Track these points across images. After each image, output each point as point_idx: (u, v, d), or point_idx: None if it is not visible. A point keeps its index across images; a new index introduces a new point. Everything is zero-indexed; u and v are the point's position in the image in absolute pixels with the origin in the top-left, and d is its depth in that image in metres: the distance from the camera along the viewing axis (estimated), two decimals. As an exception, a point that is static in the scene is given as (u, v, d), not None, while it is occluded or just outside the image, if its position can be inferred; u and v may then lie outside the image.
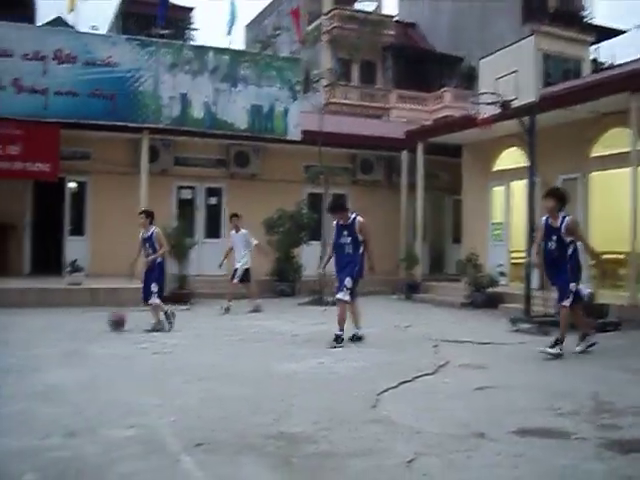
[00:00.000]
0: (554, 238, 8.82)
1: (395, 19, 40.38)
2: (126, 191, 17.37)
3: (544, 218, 9.07)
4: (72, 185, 18.40)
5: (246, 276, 14.39)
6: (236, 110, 17.87)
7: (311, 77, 20.26)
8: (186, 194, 19.34)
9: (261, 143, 18.94)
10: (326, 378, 7.40)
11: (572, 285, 8.77)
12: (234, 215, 14.71)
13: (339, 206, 10.25)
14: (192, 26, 36.76)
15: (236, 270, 14.27)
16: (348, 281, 9.58)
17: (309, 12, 32.88)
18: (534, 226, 11.54)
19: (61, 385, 6.81)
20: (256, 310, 14.17)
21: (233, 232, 14.48)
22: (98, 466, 4.39)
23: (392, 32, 37.23)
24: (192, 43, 27.64)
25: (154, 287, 10.88)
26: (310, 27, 32.26)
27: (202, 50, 18.17)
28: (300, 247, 18.05)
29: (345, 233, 9.79)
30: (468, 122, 15.80)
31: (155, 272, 10.99)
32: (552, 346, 8.57)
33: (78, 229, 18.20)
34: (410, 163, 19.90)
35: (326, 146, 17.40)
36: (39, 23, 30.13)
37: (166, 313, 10.99)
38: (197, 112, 17.56)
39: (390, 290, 18.35)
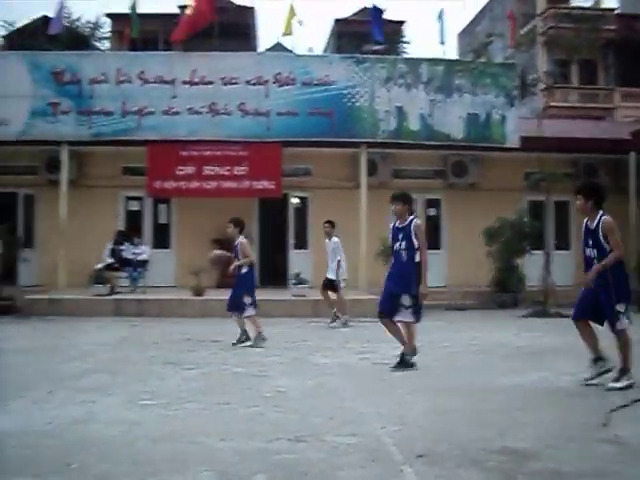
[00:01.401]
0: (591, 243, 7.22)
1: (616, 12, 38.06)
2: (346, 205, 17.82)
3: (585, 220, 7.45)
4: (295, 201, 19.20)
5: (333, 286, 13.71)
6: (452, 120, 17.78)
7: (527, 82, 19.65)
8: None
9: (479, 152, 18.64)
10: (551, 392, 7.08)
11: (619, 306, 7.03)
12: (327, 222, 14.10)
13: (400, 196, 8.75)
14: (404, 39, 37.04)
15: (327, 279, 13.73)
16: (406, 299, 8.24)
17: (522, 14, 31.95)
18: None
19: (288, 391, 7.07)
20: (345, 324, 13.33)
21: (327, 240, 13.86)
22: (322, 471, 4.48)
23: (613, 27, 35.16)
24: (405, 56, 27.85)
25: (247, 299, 10.40)
26: (524, 30, 31.30)
27: (415, 62, 18.30)
28: (523, 257, 17.54)
29: (400, 237, 8.45)
30: None
31: (244, 284, 10.53)
32: (617, 379, 7.10)
33: (302, 243, 18.94)
34: (639, 165, 18.69)
35: (546, 152, 16.78)
36: (260, 50, 31.87)
37: (245, 332, 10.57)
38: (413, 124, 17.68)
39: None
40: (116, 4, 47.70)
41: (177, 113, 17.31)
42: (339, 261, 13.55)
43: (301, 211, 19.18)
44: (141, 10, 20.34)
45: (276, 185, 17.60)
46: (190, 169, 17.47)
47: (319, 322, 13.54)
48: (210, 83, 17.35)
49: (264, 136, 17.31)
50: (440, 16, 20.03)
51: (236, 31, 28.38)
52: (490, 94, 17.96)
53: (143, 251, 17.04)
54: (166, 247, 18.92)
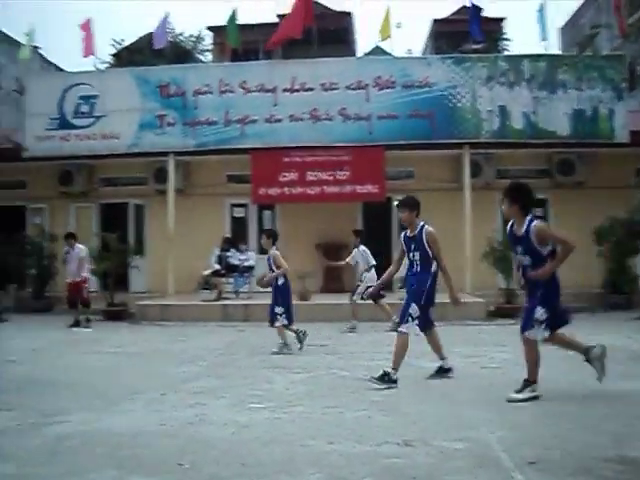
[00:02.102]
0: (520, 250, 6.89)
1: None
2: (450, 207, 17.61)
3: (509, 224, 7.12)
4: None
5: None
6: (557, 117, 17.28)
7: (637, 73, 18.91)
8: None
9: (586, 149, 18.02)
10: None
11: (540, 311, 6.68)
12: (353, 231, 14.32)
13: (405, 202, 8.26)
14: (504, 36, 36.27)
15: (357, 287, 13.61)
16: (414, 309, 7.62)
17: (630, 2, 30.77)
18: None
19: (395, 395, 7.06)
20: (352, 330, 13.37)
21: (355, 249, 13.80)
22: (430, 475, 4.45)
23: None
24: (506, 54, 27.29)
25: (278, 309, 10.45)
26: (632, 18, 30.14)
27: (517, 60, 17.88)
28: (635, 257, 16.90)
29: (413, 247, 7.91)
30: None
31: (278, 294, 10.57)
32: (520, 390, 6.76)
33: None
34: None
35: (659, 146, 16.10)
36: (359, 54, 31.89)
37: (297, 333, 10.60)
38: (517, 123, 17.30)
39: None
40: (217, 17, 48.81)
41: (279, 120, 17.58)
42: (372, 266, 13.54)
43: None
44: (241, 21, 20.74)
45: (379, 189, 17.57)
46: (293, 175, 17.68)
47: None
48: (311, 89, 17.54)
49: (366, 140, 17.34)
50: (541, 10, 19.51)
51: (335, 37, 28.49)
52: (597, 88, 17.34)
53: (249, 257, 17.36)
54: (271, 253, 19.16)
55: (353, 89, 17.43)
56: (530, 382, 6.80)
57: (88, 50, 19.90)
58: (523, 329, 6.88)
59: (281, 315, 10.46)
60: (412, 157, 18.20)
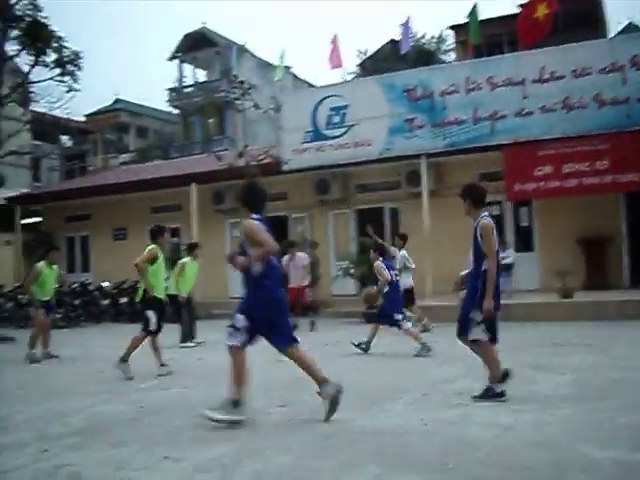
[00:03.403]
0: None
1: None
2: None
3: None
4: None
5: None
6: None
7: None
8: None
9: None
10: None
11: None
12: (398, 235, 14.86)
13: (462, 190, 7.37)
14: None
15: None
16: (473, 313, 6.73)
17: None
18: None
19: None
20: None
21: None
22: None
23: None
24: None
25: (398, 316, 10.87)
26: None
27: None
28: None
29: (472, 240, 6.86)
30: None
31: (387, 303, 11.12)
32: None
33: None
34: None
35: None
36: (611, 34, 30.11)
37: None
38: None
39: None
40: (458, 15, 48.66)
41: (530, 113, 17.09)
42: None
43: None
44: (482, 16, 20.45)
45: (641, 177, 16.37)
46: (548, 169, 16.98)
47: None
48: (561, 78, 16.84)
49: (625, 125, 16.25)
50: None
51: (581, 19, 27.19)
52: None
53: (508, 255, 17.01)
54: (529, 250, 18.65)
55: (607, 72, 16.45)
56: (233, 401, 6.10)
57: (336, 63, 20.78)
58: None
59: (401, 321, 10.94)
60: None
